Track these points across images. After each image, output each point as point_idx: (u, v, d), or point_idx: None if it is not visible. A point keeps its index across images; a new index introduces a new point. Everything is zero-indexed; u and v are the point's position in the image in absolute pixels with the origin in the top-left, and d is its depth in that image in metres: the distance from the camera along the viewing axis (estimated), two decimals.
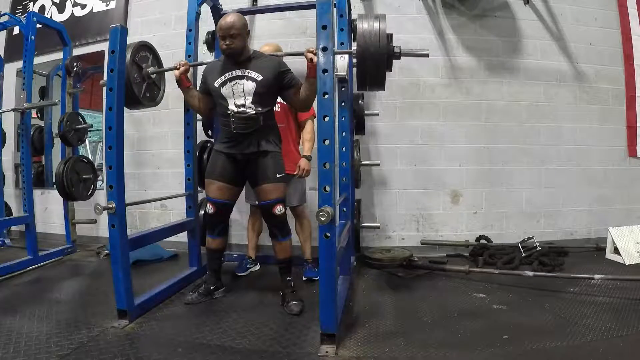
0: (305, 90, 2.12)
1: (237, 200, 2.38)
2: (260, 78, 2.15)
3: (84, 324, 1.97)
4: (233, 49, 2.11)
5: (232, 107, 2.16)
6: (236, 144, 2.21)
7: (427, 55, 2.09)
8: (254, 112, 2.14)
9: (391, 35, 1.97)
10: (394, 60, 2.01)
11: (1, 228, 3.67)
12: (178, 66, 2.22)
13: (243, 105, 2.15)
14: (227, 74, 2.17)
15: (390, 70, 2.05)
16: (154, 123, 3.64)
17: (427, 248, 3.25)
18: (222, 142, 2.28)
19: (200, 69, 2.96)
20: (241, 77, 2.16)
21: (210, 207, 2.28)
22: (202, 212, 2.80)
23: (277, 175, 2.21)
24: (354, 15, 3.07)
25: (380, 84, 2.06)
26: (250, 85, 2.14)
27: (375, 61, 1.93)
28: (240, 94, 2.15)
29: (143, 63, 2.35)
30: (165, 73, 2.53)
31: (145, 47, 2.39)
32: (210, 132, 3.05)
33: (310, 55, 1.96)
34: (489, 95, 3.39)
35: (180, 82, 2.25)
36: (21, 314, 2.10)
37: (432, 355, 1.69)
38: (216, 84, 2.19)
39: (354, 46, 3.05)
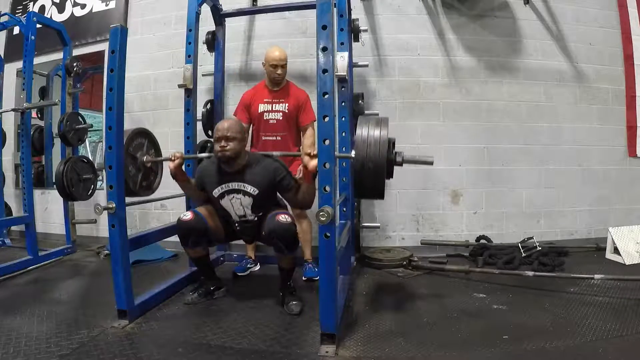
0: (303, 194, 2.11)
1: (218, 238, 2.32)
2: (256, 192, 2.15)
3: (84, 324, 1.98)
4: (228, 154, 2.08)
5: (234, 216, 2.23)
6: (239, 231, 2.31)
7: (431, 163, 1.99)
8: (256, 218, 2.21)
9: (394, 142, 1.92)
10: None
11: (1, 228, 3.67)
12: (173, 158, 2.18)
13: (244, 216, 2.22)
14: (223, 186, 2.17)
15: (392, 177, 1.97)
16: (154, 123, 3.63)
17: (427, 248, 3.25)
18: None
19: (200, 77, 3.01)
20: (238, 192, 2.17)
21: (188, 214, 2.17)
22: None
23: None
24: (354, 15, 3.08)
25: (378, 196, 1.95)
26: (247, 201, 2.17)
27: (374, 174, 1.83)
28: (239, 207, 2.20)
29: (138, 151, 2.32)
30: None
31: (139, 134, 2.35)
32: (210, 132, 3.05)
33: (306, 158, 1.92)
34: (489, 95, 3.39)
35: (176, 176, 2.21)
36: (21, 314, 2.10)
37: (432, 355, 1.69)
38: (214, 194, 2.20)
39: (354, 50, 3.06)
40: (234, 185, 2.16)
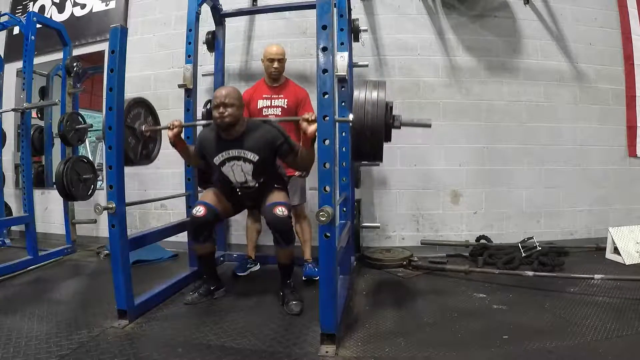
0: (302, 158, 2.12)
1: (226, 217, 2.42)
2: (256, 159, 2.17)
3: (84, 324, 1.97)
4: (227, 121, 2.10)
5: (234, 183, 2.26)
6: (241, 196, 2.32)
7: (429, 126, 2.03)
8: (257, 184, 2.24)
9: (391, 105, 1.92)
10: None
11: (1, 228, 3.67)
12: (171, 127, 2.20)
13: (245, 182, 2.24)
14: (223, 153, 2.20)
15: (390, 141, 1.98)
16: None
17: (427, 248, 3.25)
18: None
19: (200, 77, 3.00)
20: (238, 159, 2.19)
21: (201, 208, 2.19)
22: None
23: (276, 185, 2.29)
24: (354, 15, 3.08)
25: (377, 158, 1.97)
26: (248, 167, 2.20)
27: (372, 136, 1.85)
28: (240, 173, 2.22)
29: (136, 121, 2.33)
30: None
31: (136, 104, 2.34)
32: None
33: (304, 124, 1.90)
34: (489, 95, 3.39)
35: (175, 145, 2.25)
36: (21, 314, 2.09)
37: (432, 355, 1.69)
38: (215, 161, 2.23)
39: (354, 50, 3.06)
40: (234, 152, 2.18)
